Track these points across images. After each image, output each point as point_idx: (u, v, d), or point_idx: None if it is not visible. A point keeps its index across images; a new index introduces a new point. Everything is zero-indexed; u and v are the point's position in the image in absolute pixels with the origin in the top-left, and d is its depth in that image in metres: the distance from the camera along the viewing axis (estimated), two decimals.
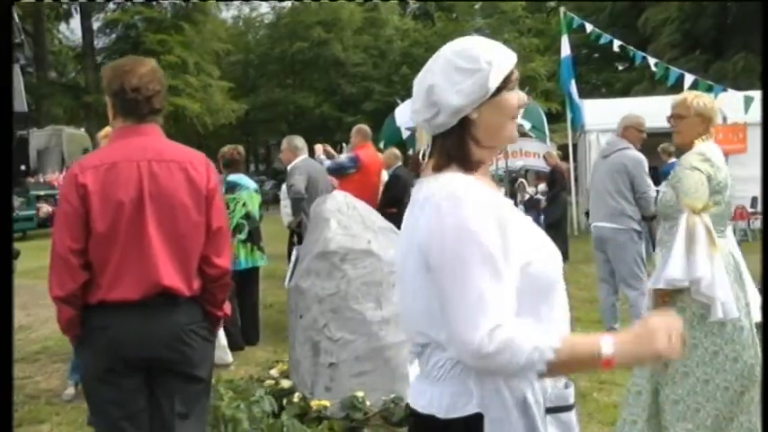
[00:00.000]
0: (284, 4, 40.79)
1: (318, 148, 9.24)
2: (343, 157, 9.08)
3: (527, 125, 11.57)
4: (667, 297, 3.76)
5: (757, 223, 14.58)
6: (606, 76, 34.80)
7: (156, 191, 2.99)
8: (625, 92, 29.39)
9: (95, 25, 34.98)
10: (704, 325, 3.74)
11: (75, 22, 36.27)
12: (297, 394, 5.07)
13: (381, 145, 12.44)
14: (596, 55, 34.33)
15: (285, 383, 5.28)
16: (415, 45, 37.61)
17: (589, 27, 14.58)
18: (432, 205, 1.78)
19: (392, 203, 8.28)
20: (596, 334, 1.78)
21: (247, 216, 7.25)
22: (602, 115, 15.08)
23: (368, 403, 4.90)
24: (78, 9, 35.13)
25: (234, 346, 6.87)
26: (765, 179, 3.72)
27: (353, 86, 36.04)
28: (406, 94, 14.19)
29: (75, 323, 3.03)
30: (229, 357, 6.62)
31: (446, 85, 1.80)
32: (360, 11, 38.77)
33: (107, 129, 5.80)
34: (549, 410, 1.83)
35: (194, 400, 3.19)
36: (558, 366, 1.70)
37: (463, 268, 1.71)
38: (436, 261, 1.75)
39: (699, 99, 3.98)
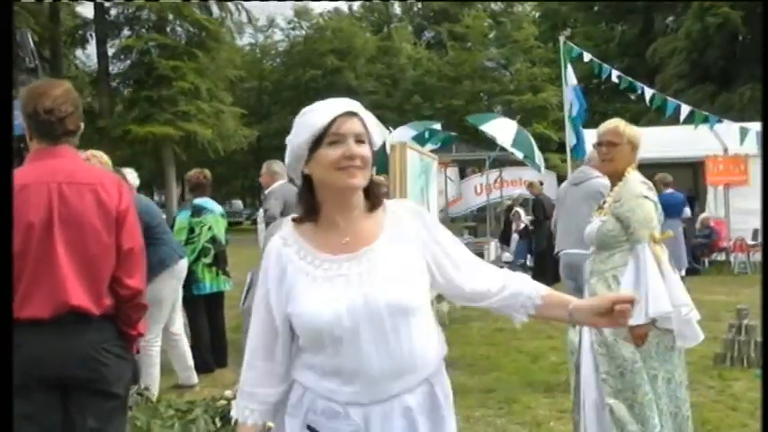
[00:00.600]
0: (298, 32, 41.14)
1: None
2: None
3: (519, 154, 11.58)
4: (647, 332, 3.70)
5: (757, 256, 14.44)
6: (616, 106, 34.85)
7: (66, 213, 3.04)
8: (634, 121, 29.36)
9: (110, 51, 35.48)
10: (662, 353, 3.75)
11: (91, 48, 36.87)
12: None
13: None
14: (604, 85, 34.46)
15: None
16: (428, 74, 37.86)
17: (587, 57, 14.59)
18: None
19: None
20: None
21: (213, 240, 7.32)
22: None
23: None
24: (94, 35, 35.70)
25: (204, 368, 6.96)
26: (765, 181, 3.70)
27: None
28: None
29: None
30: (195, 378, 6.69)
31: (289, 143, 2.13)
32: (373, 40, 39.13)
33: (87, 153, 5.94)
34: (310, 428, 2.09)
35: (108, 416, 3.22)
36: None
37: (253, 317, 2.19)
38: None
39: (629, 127, 3.99)
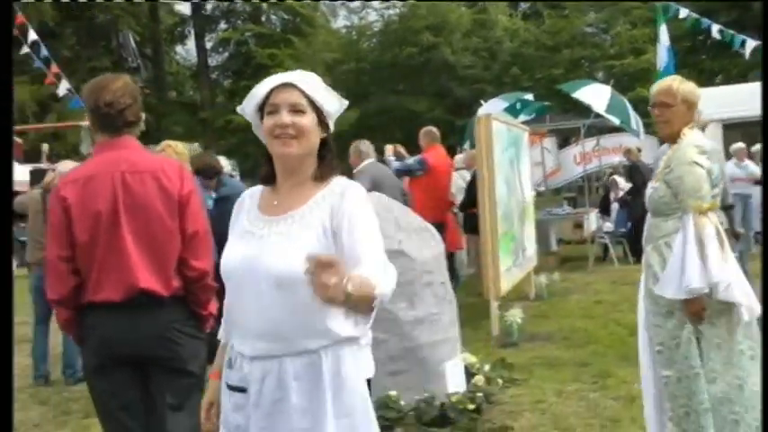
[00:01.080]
0: (392, 11, 40.96)
1: (389, 148, 9.33)
2: (410, 160, 9.11)
3: (615, 120, 11.19)
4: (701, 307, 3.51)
5: None
6: (723, 62, 33.21)
7: (130, 200, 3.19)
8: (742, 77, 27.91)
9: (208, 45, 36.32)
10: (722, 325, 3.54)
11: (190, 43, 37.85)
12: None
13: (467, 146, 12.39)
14: (710, 41, 32.84)
15: None
16: (525, 45, 37.01)
17: (684, 12, 13.96)
18: None
19: (474, 203, 8.19)
20: None
21: None
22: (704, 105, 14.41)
23: (402, 402, 4.93)
24: (192, 31, 36.63)
25: None
26: (766, 181, 3.48)
27: (464, 89, 35.81)
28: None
29: (71, 323, 3.31)
30: None
31: (245, 106, 2.32)
32: (468, 13, 38.53)
33: (163, 143, 6.08)
34: (229, 386, 2.29)
35: (185, 393, 3.36)
36: None
37: None
38: None
39: (684, 84, 3.74)
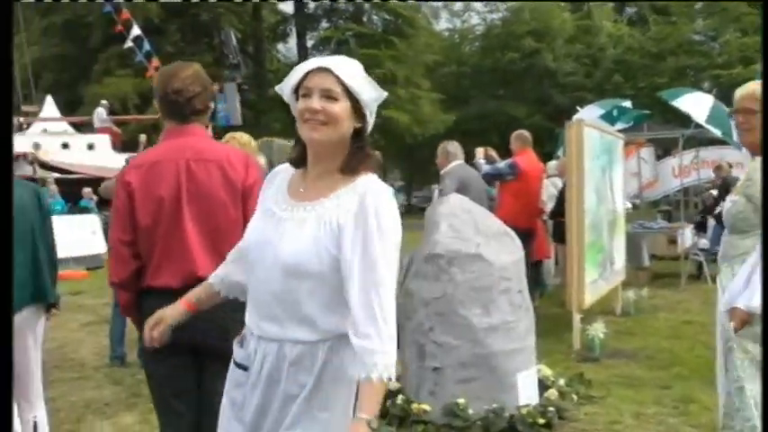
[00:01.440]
0: (495, 15, 40.61)
1: (479, 151, 9.14)
2: (501, 163, 8.88)
3: (716, 132, 10.69)
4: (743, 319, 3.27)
5: None
6: None
7: (194, 188, 3.16)
8: None
9: (309, 43, 36.82)
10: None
11: (292, 41, 38.46)
12: (400, 396, 5.06)
13: (561, 153, 12.09)
14: None
15: (392, 385, 5.28)
16: (629, 51, 36.13)
17: None
18: None
19: (564, 212, 7.92)
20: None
21: None
22: None
23: (470, 411, 4.79)
24: (294, 29, 37.20)
25: None
26: (765, 181, 3.18)
27: (565, 96, 35.18)
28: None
29: (131, 307, 3.32)
30: None
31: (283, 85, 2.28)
32: (572, 19, 37.85)
33: (228, 135, 6.09)
34: (235, 363, 2.40)
35: None
36: None
37: None
38: None
39: None
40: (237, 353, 2.38)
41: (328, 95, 2.12)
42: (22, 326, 4.04)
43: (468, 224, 5.19)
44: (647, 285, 9.85)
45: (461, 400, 4.81)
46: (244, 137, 5.89)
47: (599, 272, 7.65)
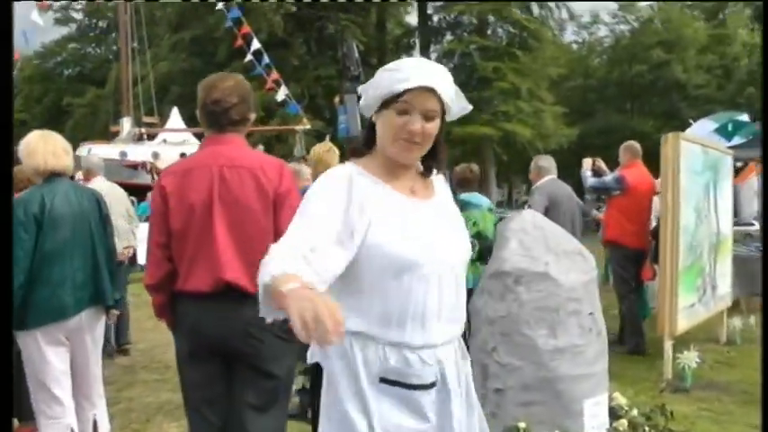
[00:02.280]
0: (624, 26, 39.52)
1: (586, 162, 8.75)
2: (608, 177, 8.42)
3: None
4: None
5: None
6: None
7: (226, 194, 3.22)
8: None
9: (433, 56, 36.81)
10: None
11: (415, 53, 38.54)
12: None
13: None
14: None
15: None
16: None
17: None
18: None
19: None
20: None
21: (478, 235, 7.10)
22: None
23: None
24: (417, 42, 37.36)
25: None
26: (765, 181, 2.84)
27: (695, 110, 33.80)
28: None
29: (164, 309, 3.39)
30: None
31: (364, 87, 2.16)
32: (705, 28, 36.36)
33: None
34: (385, 380, 2.08)
35: (269, 397, 3.34)
36: (268, 292, 1.84)
37: (304, 205, 2.11)
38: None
39: None
40: (407, 376, 2.11)
41: (429, 116, 2.09)
42: (81, 327, 4.16)
43: (538, 241, 4.97)
44: (757, 313, 9.21)
45: (522, 424, 4.60)
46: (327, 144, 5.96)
47: (697, 296, 7.20)
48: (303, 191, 4.40)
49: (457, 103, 2.16)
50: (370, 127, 2.20)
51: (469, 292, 5.44)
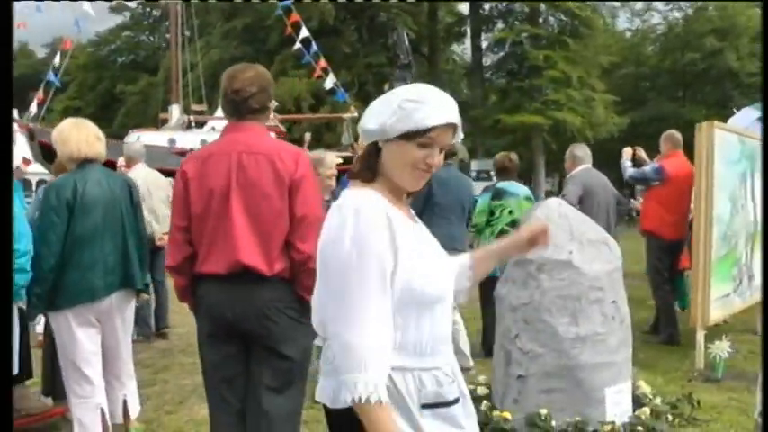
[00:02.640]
0: (677, 14, 38.78)
1: (626, 151, 8.61)
2: (647, 167, 8.28)
3: None
4: None
5: None
6: None
7: (243, 179, 3.33)
8: None
9: (483, 44, 36.67)
10: None
11: (466, 42, 38.49)
12: (485, 402, 4.97)
13: None
14: None
15: (481, 390, 5.21)
16: None
17: None
18: (337, 212, 2.07)
19: None
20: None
21: (513, 223, 7.13)
22: None
23: (553, 423, 4.63)
24: (468, 30, 37.19)
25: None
26: (765, 181, 2.81)
27: (747, 98, 33.06)
28: None
29: (186, 291, 3.53)
30: (470, 362, 6.62)
31: (372, 111, 2.11)
32: (759, 15, 35.45)
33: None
34: (426, 406, 2.07)
35: (285, 379, 3.44)
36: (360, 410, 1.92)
37: (360, 279, 1.96)
38: (333, 266, 2.02)
39: None
40: (440, 394, 2.12)
41: (444, 149, 2.13)
42: (111, 309, 4.32)
43: (562, 230, 5.00)
44: None
45: (544, 411, 4.66)
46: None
47: (732, 286, 7.14)
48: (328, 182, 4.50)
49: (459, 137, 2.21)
50: (374, 152, 2.14)
51: (495, 280, 5.60)
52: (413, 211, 2.28)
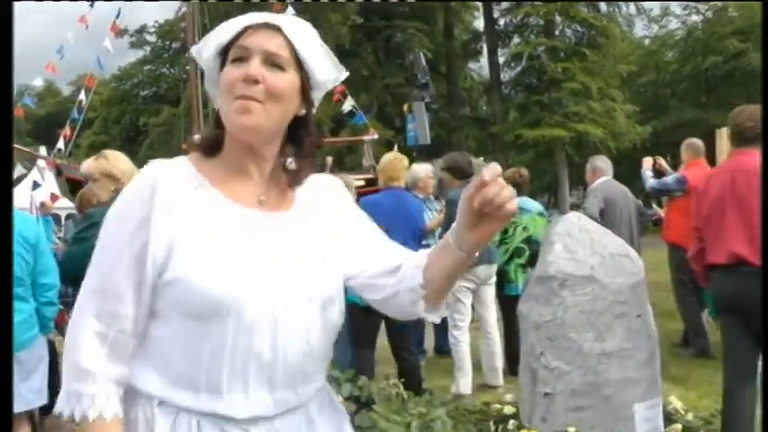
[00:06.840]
0: (696, 17, 38.48)
1: (646, 161, 8.53)
2: (669, 177, 8.20)
3: None
4: None
5: None
6: None
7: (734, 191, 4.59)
8: None
9: (501, 59, 36.65)
10: None
11: (483, 58, 38.52)
12: (512, 422, 4.90)
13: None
14: None
15: (508, 409, 5.15)
16: None
17: None
18: None
19: None
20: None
21: (528, 240, 7.08)
22: None
23: None
24: (485, 46, 37.23)
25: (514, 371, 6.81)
26: (765, 181, 2.75)
27: None
28: None
29: (702, 275, 5.10)
30: (499, 380, 6.57)
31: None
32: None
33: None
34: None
35: None
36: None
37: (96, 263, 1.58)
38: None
39: None
40: None
41: (273, 62, 1.56)
42: None
43: (583, 244, 4.93)
44: None
45: (572, 429, 4.58)
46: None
47: None
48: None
49: (326, 67, 1.66)
50: (216, 119, 1.64)
51: (516, 299, 5.54)
52: (310, 193, 1.75)
